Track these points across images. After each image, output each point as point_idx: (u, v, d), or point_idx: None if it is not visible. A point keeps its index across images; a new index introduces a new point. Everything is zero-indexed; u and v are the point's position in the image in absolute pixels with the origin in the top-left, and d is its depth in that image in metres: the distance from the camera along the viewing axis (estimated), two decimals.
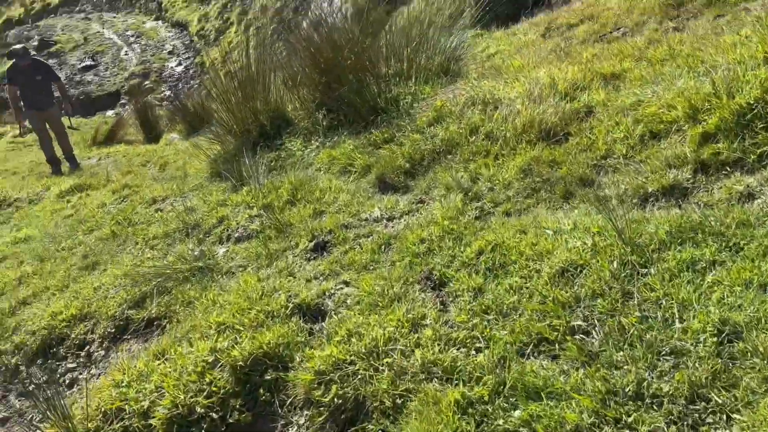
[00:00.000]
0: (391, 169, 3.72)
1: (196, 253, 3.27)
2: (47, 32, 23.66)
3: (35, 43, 22.22)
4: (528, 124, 3.40)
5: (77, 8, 28.18)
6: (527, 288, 2.18)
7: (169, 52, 20.60)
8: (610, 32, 5.61)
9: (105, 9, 26.74)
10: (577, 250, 2.22)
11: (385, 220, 3.14)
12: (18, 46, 8.23)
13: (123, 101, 18.53)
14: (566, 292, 2.07)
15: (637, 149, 2.84)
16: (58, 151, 8.27)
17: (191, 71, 19.38)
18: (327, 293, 2.61)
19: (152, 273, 3.20)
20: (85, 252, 3.99)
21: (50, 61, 20.69)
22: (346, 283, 2.66)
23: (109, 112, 17.79)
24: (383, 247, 2.85)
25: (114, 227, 4.23)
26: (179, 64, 19.83)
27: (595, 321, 1.93)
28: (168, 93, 18.37)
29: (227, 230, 3.58)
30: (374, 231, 3.03)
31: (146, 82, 18.88)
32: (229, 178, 4.44)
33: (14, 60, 8.00)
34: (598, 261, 2.13)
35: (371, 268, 2.71)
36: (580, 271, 2.14)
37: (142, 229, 4.06)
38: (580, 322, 1.95)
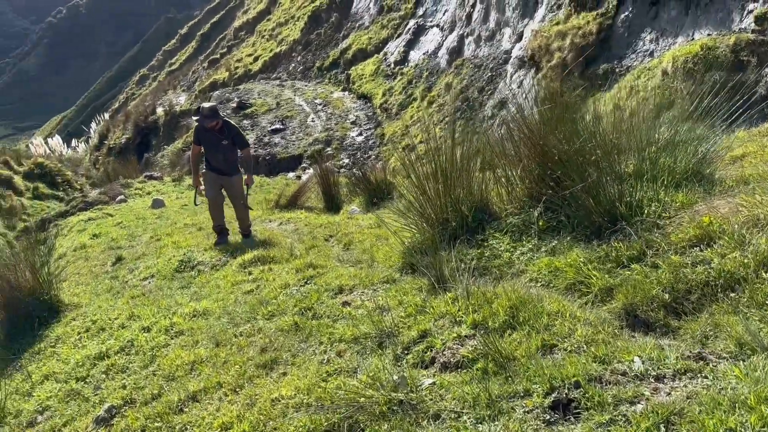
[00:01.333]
0: (644, 299, 2.90)
1: (394, 378, 2.66)
2: (245, 95, 25.75)
3: (233, 104, 24.19)
4: None
5: (274, 75, 30.60)
6: None
7: (352, 122, 21.32)
8: None
9: (298, 78, 28.70)
10: None
11: (651, 379, 2.32)
12: (206, 105, 7.39)
13: (304, 165, 19.29)
14: None
15: None
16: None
17: (371, 141, 19.81)
18: None
19: (341, 398, 2.62)
20: (264, 344, 3.56)
21: (244, 122, 22.35)
22: None
23: (290, 174, 18.55)
24: (662, 427, 2.02)
25: (297, 317, 3.79)
26: (360, 134, 20.39)
27: None
28: (347, 161, 18.84)
29: (431, 350, 2.94)
30: (640, 395, 2.21)
31: (328, 149, 19.56)
32: (426, 274, 3.86)
33: (200, 119, 7.15)
34: None
35: None
36: None
37: (328, 326, 3.56)
38: None
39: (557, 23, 14.78)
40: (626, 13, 12.80)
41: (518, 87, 15.38)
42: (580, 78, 13.07)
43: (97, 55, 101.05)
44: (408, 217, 4.73)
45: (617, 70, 12.46)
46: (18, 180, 19.94)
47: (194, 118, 7.42)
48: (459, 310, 3.20)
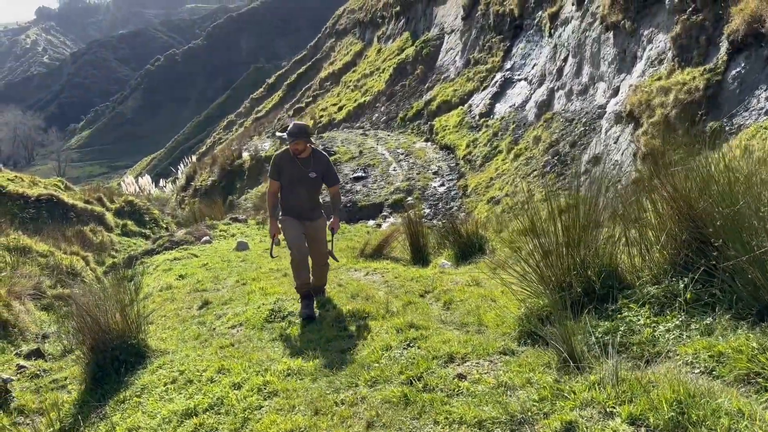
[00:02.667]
0: None
1: None
2: (329, 143, 26.09)
3: None
4: None
5: (357, 124, 31.01)
6: None
7: (434, 172, 21.08)
8: None
9: (381, 127, 28.93)
10: None
11: None
12: (296, 122, 6.02)
13: (385, 213, 19.10)
14: None
15: None
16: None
17: (452, 192, 19.45)
18: None
19: None
20: (370, 417, 3.15)
21: None
22: None
23: (371, 222, 18.38)
24: None
25: (405, 388, 3.36)
26: (442, 184, 20.09)
27: None
28: (428, 211, 18.52)
29: None
30: None
31: (409, 199, 19.33)
32: (553, 347, 3.37)
33: (285, 144, 5.92)
34: None
35: None
36: None
37: (443, 402, 3.12)
38: None
39: (659, 78, 14.13)
40: (738, 69, 12.04)
41: (614, 143, 14.71)
42: (685, 136, 12.32)
43: (189, 101, 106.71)
44: (525, 278, 4.26)
45: (727, 128, 11.66)
46: (109, 216, 20.71)
47: (279, 134, 7.39)
48: (608, 399, 2.69)
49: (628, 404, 2.58)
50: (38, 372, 6.37)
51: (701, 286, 3.55)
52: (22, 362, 6.75)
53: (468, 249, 9.03)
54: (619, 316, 3.74)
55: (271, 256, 6.86)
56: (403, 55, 32.02)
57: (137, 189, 29.71)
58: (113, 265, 15.35)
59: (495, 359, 3.60)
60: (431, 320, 4.74)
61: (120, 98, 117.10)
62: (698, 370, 2.99)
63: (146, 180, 31.36)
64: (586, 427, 2.54)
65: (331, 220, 6.09)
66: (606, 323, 3.70)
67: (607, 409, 2.61)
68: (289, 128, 5.89)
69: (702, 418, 2.40)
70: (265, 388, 3.89)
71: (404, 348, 4.08)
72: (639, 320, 3.62)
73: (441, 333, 4.25)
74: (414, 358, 3.79)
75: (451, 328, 4.51)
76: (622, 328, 3.60)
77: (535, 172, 16.57)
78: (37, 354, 6.97)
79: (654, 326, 3.50)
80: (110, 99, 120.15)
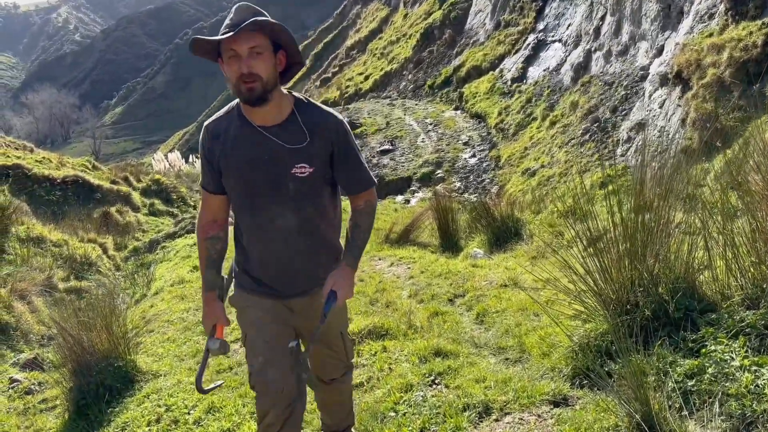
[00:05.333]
0: None
1: None
2: (355, 114, 25.20)
3: None
4: None
5: (384, 94, 30.00)
6: None
7: (464, 143, 20.08)
8: None
9: (408, 96, 27.87)
10: None
11: None
12: (234, 9, 2.33)
13: (413, 188, 18.27)
14: None
15: None
16: None
17: (485, 164, 18.48)
18: None
19: None
20: None
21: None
22: None
23: (399, 198, 17.57)
24: None
25: None
26: (473, 155, 19.12)
27: None
28: (459, 184, 17.62)
29: None
30: None
31: (438, 172, 18.44)
32: (620, 402, 2.56)
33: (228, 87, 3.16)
34: None
35: None
36: None
37: None
38: None
39: (710, 35, 12.85)
40: None
41: (659, 107, 13.51)
42: (741, 98, 11.13)
43: (218, 74, 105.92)
44: (578, 296, 3.43)
45: None
46: (135, 196, 20.36)
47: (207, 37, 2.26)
48: None
49: None
50: (32, 386, 5.83)
51: None
52: (16, 374, 6.22)
53: (503, 234, 8.19)
54: (703, 350, 2.90)
55: (201, 391, 2.49)
56: (430, 20, 30.70)
57: (167, 165, 29.36)
58: (134, 251, 14.92)
59: (543, 413, 2.80)
60: (461, 342, 3.95)
61: (151, 74, 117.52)
62: None
63: (176, 156, 30.93)
64: None
65: (333, 277, 2.37)
66: (687, 361, 2.86)
67: None
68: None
69: None
70: None
71: (428, 386, 3.31)
72: (733, 359, 2.77)
73: (474, 366, 3.46)
74: (440, 407, 3.01)
75: (486, 354, 3.72)
76: (710, 370, 2.76)
77: (573, 141, 15.48)
78: (34, 364, 6.44)
79: (756, 370, 2.66)
80: (141, 75, 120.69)
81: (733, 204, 3.42)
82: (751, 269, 3.05)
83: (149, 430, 3.72)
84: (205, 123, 2.40)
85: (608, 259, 3.47)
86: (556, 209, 8.30)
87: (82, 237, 12.35)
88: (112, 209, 18.00)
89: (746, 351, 2.78)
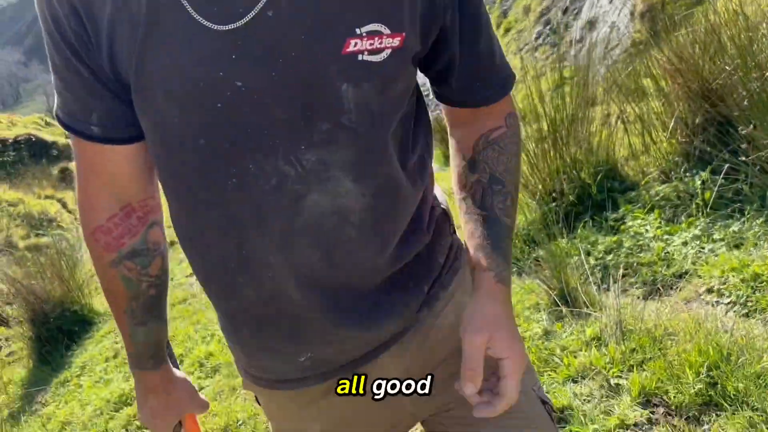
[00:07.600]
0: None
1: None
2: None
3: None
4: None
5: None
6: None
7: None
8: None
9: None
10: None
11: None
12: None
13: None
14: None
15: None
16: None
17: None
18: None
19: None
20: None
21: None
22: None
23: None
24: None
25: None
26: None
27: None
28: None
29: None
30: None
31: None
32: (540, 283, 2.68)
33: None
34: None
35: None
36: None
37: None
38: None
39: None
40: None
41: (609, 2, 13.36)
42: None
43: None
44: None
45: None
46: None
47: None
48: (612, 365, 2.01)
49: (638, 372, 1.90)
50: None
51: (723, 181, 2.79)
52: None
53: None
54: (622, 227, 3.02)
55: None
56: None
57: None
58: None
59: None
60: None
61: None
62: (728, 300, 2.29)
63: None
64: (583, 412, 1.88)
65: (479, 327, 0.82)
66: (607, 238, 2.98)
67: (612, 383, 1.94)
68: None
69: (742, 392, 1.73)
70: (207, 363, 3.28)
71: None
72: (648, 232, 2.89)
73: None
74: None
75: None
76: (627, 244, 2.88)
77: (527, 47, 15.33)
78: (1, 321, 6.48)
79: (667, 239, 2.78)
80: None
81: (649, 87, 3.47)
82: (664, 143, 3.13)
83: (107, 365, 3.81)
84: None
85: (534, 153, 3.54)
86: None
87: (38, 194, 12.16)
88: (71, 164, 17.67)
89: (660, 223, 2.90)
